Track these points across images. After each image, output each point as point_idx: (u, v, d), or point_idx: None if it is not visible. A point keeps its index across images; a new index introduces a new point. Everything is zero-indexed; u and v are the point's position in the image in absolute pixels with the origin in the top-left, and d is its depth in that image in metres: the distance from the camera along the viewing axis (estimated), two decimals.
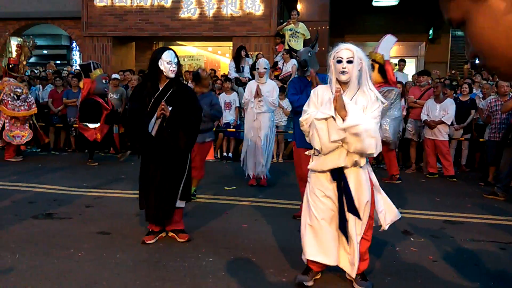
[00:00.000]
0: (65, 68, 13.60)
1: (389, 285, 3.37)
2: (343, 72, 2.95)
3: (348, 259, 3.16)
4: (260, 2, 11.02)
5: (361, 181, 3.06)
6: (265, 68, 6.43)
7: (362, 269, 3.24)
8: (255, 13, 11.09)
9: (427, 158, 7.81)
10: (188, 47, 14.90)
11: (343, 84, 3.03)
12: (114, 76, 9.80)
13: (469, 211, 5.49)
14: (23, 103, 8.21)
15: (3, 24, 12.58)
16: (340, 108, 2.86)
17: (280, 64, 9.86)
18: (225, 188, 6.38)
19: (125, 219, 4.82)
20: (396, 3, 13.08)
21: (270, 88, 6.44)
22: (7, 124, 8.07)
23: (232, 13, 11.15)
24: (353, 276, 3.18)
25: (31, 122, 8.48)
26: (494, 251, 4.12)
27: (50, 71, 11.92)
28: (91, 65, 8.01)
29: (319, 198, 3.11)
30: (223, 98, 9.08)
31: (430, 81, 8.58)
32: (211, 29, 11.29)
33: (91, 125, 7.94)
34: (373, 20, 14.29)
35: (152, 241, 4.07)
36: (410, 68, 14.25)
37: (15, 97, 8.09)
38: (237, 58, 10.27)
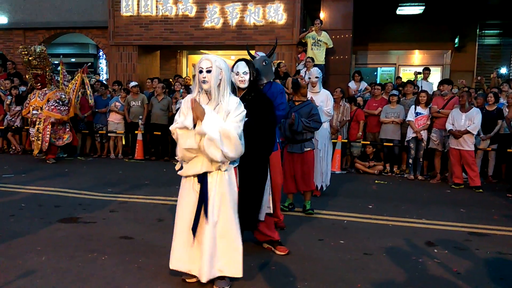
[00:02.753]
0: (93, 77, 13.93)
1: None
2: (203, 81, 3.12)
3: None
4: (283, 11, 11.08)
5: (224, 183, 3.18)
6: (317, 77, 6.28)
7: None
8: (277, 22, 11.15)
9: (452, 168, 7.66)
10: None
11: (208, 93, 3.17)
12: (133, 83, 10.00)
13: (496, 223, 5.35)
14: (66, 108, 8.79)
15: (33, 33, 12.99)
16: (200, 116, 3.02)
17: (302, 73, 9.87)
18: None
19: (148, 224, 4.89)
20: (421, 11, 12.95)
21: (324, 97, 6.26)
22: (49, 129, 8.71)
23: (255, 22, 11.24)
24: (202, 280, 3.17)
25: (69, 124, 9.10)
26: None
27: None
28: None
29: (182, 204, 3.26)
30: None
31: (453, 90, 8.42)
32: (234, 38, 11.40)
33: None
34: (397, 28, 14.16)
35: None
36: (436, 77, 14.03)
37: (60, 102, 8.70)
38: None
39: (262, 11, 11.20)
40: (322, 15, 11.24)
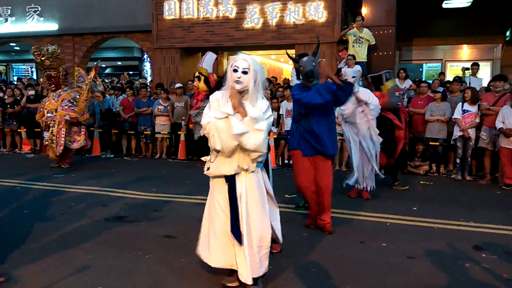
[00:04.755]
0: (139, 80, 14.36)
1: None
2: (237, 82, 3.05)
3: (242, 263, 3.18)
4: (324, 8, 10.97)
5: (253, 184, 3.18)
6: (353, 77, 6.17)
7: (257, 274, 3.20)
8: (318, 20, 11.04)
9: (503, 168, 7.30)
10: (252, 56, 15.14)
11: (239, 93, 3.10)
12: (178, 85, 10.21)
13: None
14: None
15: (81, 38, 13.58)
16: (238, 105, 3.01)
17: (344, 71, 9.72)
18: (286, 195, 6.39)
19: (191, 223, 4.97)
20: (469, 4, 12.42)
21: (365, 94, 6.05)
22: (64, 131, 8.38)
23: (295, 21, 11.19)
24: (248, 283, 3.17)
25: (84, 128, 8.87)
26: None
27: (124, 82, 12.68)
28: (383, 76, 6.70)
29: (215, 206, 3.26)
30: (284, 106, 9.14)
31: (505, 86, 8.00)
32: (274, 37, 11.41)
33: None
34: (443, 22, 13.68)
35: None
36: (485, 72, 13.43)
37: (75, 102, 8.52)
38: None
39: (302, 9, 11.13)
40: (364, 11, 11.03)
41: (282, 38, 11.26)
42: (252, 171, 3.21)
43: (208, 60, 8.84)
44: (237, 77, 3.07)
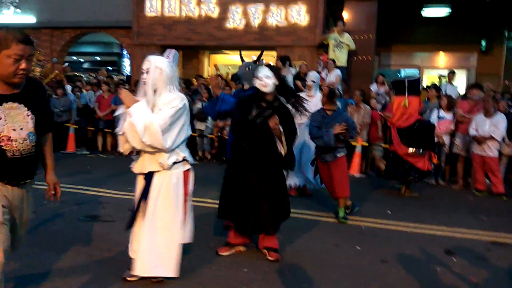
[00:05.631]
0: (118, 76, 14.18)
1: None
2: (144, 82, 3.21)
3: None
4: (306, 12, 11.04)
5: (169, 184, 3.26)
6: (313, 81, 6.31)
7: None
8: (300, 23, 11.12)
9: (475, 174, 7.49)
10: (233, 56, 15.14)
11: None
12: None
13: None
14: None
15: (60, 32, 13.33)
16: (129, 103, 3.12)
17: (323, 75, 9.81)
18: None
19: None
20: (447, 14, 12.70)
21: (318, 101, 6.16)
22: None
23: (277, 24, 11.24)
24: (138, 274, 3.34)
25: None
26: None
27: (102, 77, 12.49)
28: (406, 83, 6.61)
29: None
30: None
31: (480, 94, 8.20)
32: (256, 39, 11.43)
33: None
34: (422, 30, 13.93)
35: (227, 253, 4.06)
36: (461, 80, 13.75)
37: None
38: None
39: (284, 12, 11.19)
40: (346, 16, 11.15)
41: (264, 39, 11.29)
42: (174, 170, 3.27)
43: (175, 59, 8.51)
44: (143, 78, 3.23)
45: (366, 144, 8.89)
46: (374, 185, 7.82)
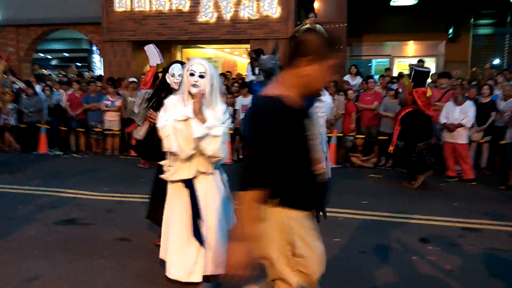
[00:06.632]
0: (87, 73, 13.89)
1: None
2: (194, 85, 3.05)
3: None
4: (278, 4, 11.05)
5: (212, 188, 3.19)
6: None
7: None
8: (272, 16, 11.13)
9: (446, 162, 7.71)
10: (206, 49, 15.03)
11: (195, 97, 3.08)
12: (131, 79, 9.96)
13: (489, 218, 5.40)
14: None
15: (26, 30, 12.92)
16: (197, 111, 3.00)
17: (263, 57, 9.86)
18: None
19: (146, 225, 4.91)
20: (415, 2, 12.94)
21: None
22: None
23: (250, 16, 11.21)
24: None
25: None
26: None
27: (72, 75, 12.21)
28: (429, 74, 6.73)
29: (174, 212, 3.21)
30: (240, 101, 9.15)
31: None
32: (228, 32, 11.38)
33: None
34: (391, 19, 14.17)
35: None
36: (430, 68, 14.06)
37: None
38: (253, 62, 10.32)
39: (256, 4, 11.17)
40: (316, 5, 11.22)
41: (237, 33, 11.26)
42: (212, 174, 3.20)
43: (152, 56, 8.43)
44: (194, 81, 3.05)
45: (341, 135, 9.03)
46: (349, 175, 7.97)
